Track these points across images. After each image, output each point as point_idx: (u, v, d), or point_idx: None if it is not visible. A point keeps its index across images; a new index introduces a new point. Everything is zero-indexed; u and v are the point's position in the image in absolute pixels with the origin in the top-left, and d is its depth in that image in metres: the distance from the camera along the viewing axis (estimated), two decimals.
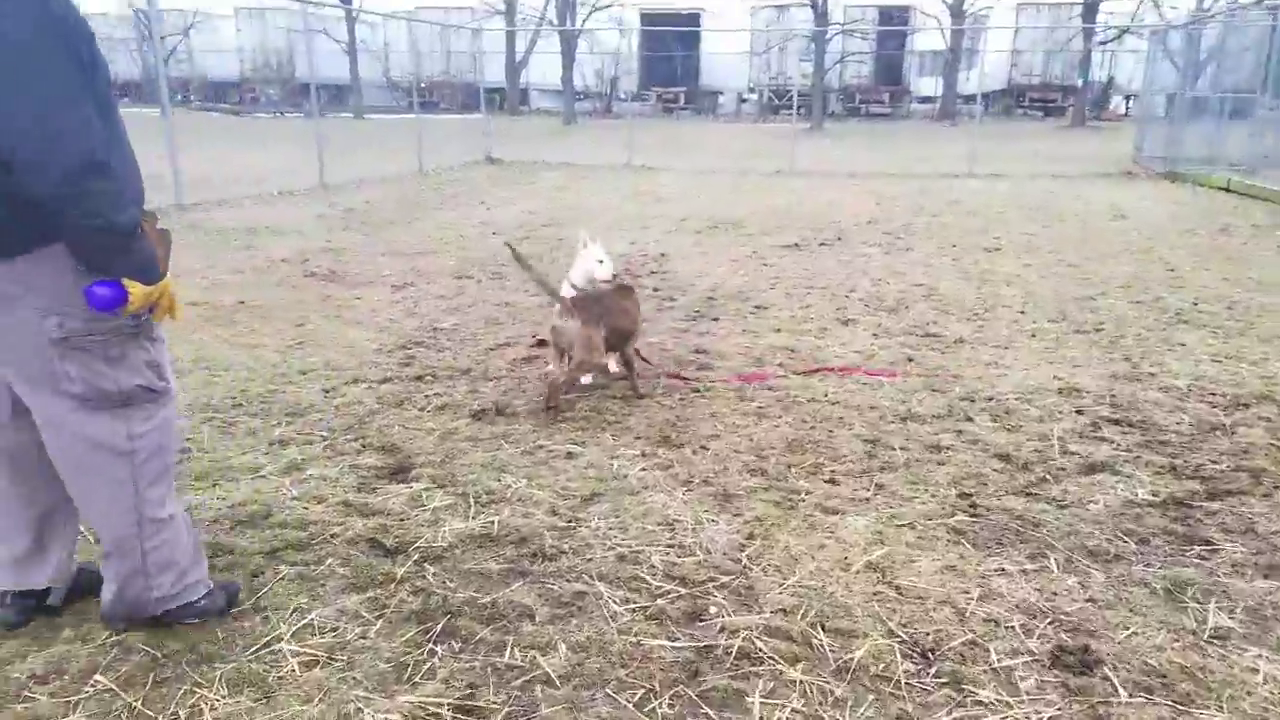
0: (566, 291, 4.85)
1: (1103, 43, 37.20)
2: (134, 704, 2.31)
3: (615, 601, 2.82)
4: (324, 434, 4.16)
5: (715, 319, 6.47)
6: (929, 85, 43.82)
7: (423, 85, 44.81)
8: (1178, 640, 2.63)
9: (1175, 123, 19.16)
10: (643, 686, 2.41)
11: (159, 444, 2.44)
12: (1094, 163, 19.62)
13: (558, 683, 2.42)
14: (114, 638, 2.55)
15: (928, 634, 2.65)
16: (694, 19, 43.45)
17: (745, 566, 3.04)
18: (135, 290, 2.20)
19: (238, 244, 9.17)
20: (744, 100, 47.57)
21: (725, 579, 2.96)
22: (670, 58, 43.70)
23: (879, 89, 42.97)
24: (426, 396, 4.73)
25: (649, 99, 45.92)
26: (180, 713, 2.28)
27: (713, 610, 2.78)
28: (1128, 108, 40.93)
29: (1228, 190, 14.75)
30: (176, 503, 2.57)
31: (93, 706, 2.30)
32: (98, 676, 2.40)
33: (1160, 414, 4.52)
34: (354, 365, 5.26)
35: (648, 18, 44.17)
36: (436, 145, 20.56)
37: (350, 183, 14.96)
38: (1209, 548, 3.19)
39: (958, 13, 38.23)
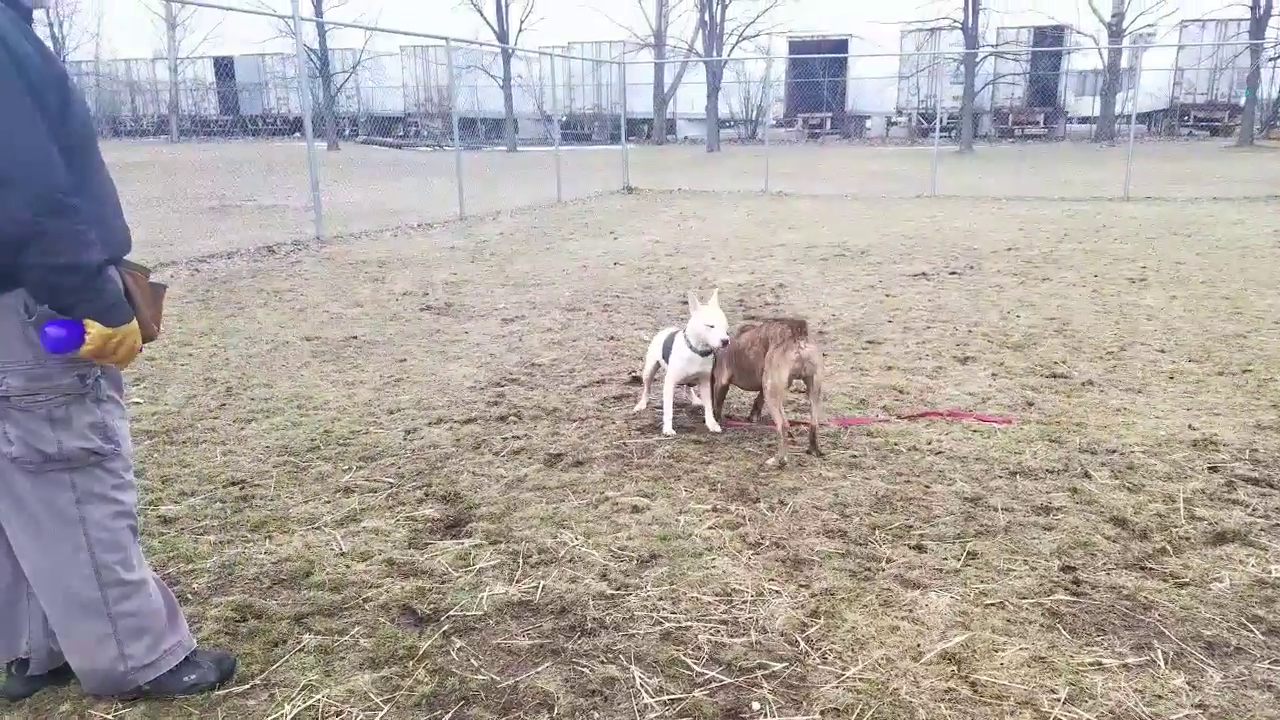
0: (680, 347, 4.60)
1: (1272, 59, 34.27)
2: None
3: (648, 691, 2.52)
4: (390, 481, 4.04)
5: (824, 355, 6.06)
6: (1086, 106, 41.55)
7: (564, 118, 45.83)
8: None
9: None
10: None
11: (113, 509, 2.32)
12: (1262, 185, 17.92)
13: None
14: (111, 714, 2.45)
15: None
16: (842, 45, 42.75)
17: (803, 651, 2.68)
18: (94, 331, 2.09)
19: (365, 276, 9.38)
20: (893, 124, 46.36)
21: (776, 666, 2.62)
22: (817, 83, 43.08)
23: (1032, 110, 41.09)
24: (505, 440, 4.56)
25: (795, 125, 45.40)
26: None
27: (755, 706, 2.44)
28: None
29: None
30: (144, 565, 2.45)
31: None
32: None
33: None
34: (443, 404, 5.16)
35: (796, 45, 43.77)
36: (580, 176, 20.84)
37: (489, 214, 15.25)
38: None
39: (1116, 31, 36.09)
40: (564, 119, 46.88)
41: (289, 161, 22.08)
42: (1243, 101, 34.23)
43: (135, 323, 2.19)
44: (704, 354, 4.52)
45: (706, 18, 41.36)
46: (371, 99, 49.98)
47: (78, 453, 2.24)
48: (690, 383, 4.80)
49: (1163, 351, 5.93)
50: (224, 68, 49.97)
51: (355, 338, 6.77)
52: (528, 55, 40.32)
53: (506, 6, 43.00)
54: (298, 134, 40.44)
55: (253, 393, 5.40)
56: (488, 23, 43.23)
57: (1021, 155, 29.43)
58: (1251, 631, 2.70)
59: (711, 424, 4.68)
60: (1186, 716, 2.32)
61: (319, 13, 39.81)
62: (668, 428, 4.63)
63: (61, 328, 2.05)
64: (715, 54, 40.44)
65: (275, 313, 7.63)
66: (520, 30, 44.07)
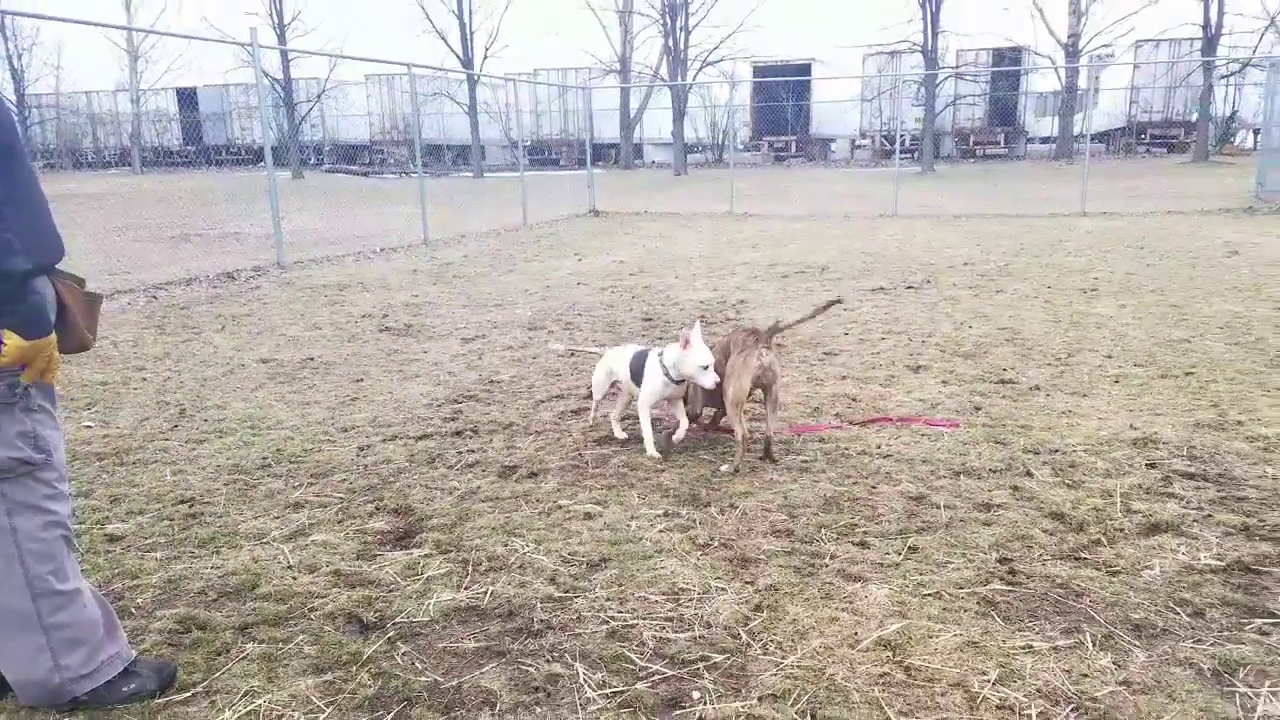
0: (655, 372, 4.44)
1: (1224, 76, 35.22)
2: None
3: (591, 685, 2.54)
4: (341, 496, 4.04)
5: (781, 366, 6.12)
6: (1046, 126, 42.42)
7: (529, 143, 46.01)
8: None
9: None
10: None
11: (45, 519, 2.32)
12: (1214, 199, 18.37)
13: None
14: None
15: None
16: (805, 69, 43.34)
17: (744, 643, 2.71)
18: (11, 343, 2.09)
19: (325, 300, 9.35)
20: (857, 146, 46.95)
21: (718, 658, 2.64)
22: (781, 107, 43.62)
23: (993, 130, 41.85)
24: (460, 453, 4.57)
25: (761, 148, 45.87)
26: None
27: (695, 696, 2.47)
28: (1256, 142, 38.44)
29: None
30: (79, 576, 2.44)
31: None
32: None
33: (1241, 467, 3.96)
34: (399, 421, 5.16)
35: (759, 69, 44.33)
36: (547, 200, 20.91)
37: (454, 238, 15.26)
38: (1273, 621, 2.69)
39: (1072, 52, 36.92)
40: (529, 144, 47.07)
41: (252, 191, 22.00)
42: (1194, 118, 35.05)
43: (54, 337, 2.19)
44: (678, 381, 4.42)
45: (670, 44, 41.78)
46: (337, 127, 49.91)
47: (7, 462, 2.23)
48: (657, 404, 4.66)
49: (1109, 357, 6.04)
50: (187, 98, 49.76)
51: (312, 359, 6.75)
52: (493, 82, 40.49)
53: (471, 34, 43.19)
54: (262, 163, 40.36)
55: (206, 414, 5.36)
56: (452, 50, 43.38)
57: (982, 175, 29.93)
58: (1178, 614, 2.77)
59: (679, 436, 4.52)
60: (1111, 693, 2.37)
61: (282, 41, 39.77)
62: (651, 450, 4.48)
63: None
64: (680, 79, 40.84)
65: (232, 337, 7.59)
66: (485, 57, 44.22)
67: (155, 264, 12.00)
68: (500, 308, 8.81)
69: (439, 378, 6.15)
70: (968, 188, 24.63)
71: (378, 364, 6.57)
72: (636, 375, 4.56)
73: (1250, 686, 2.38)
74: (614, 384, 4.86)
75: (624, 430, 4.78)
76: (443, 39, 43.24)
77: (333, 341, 7.37)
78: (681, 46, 41.79)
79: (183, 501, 4.00)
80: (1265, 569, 3.03)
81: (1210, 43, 32.71)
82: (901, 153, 30.52)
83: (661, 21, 41.85)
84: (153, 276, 10.74)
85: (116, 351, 7.02)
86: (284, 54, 38.82)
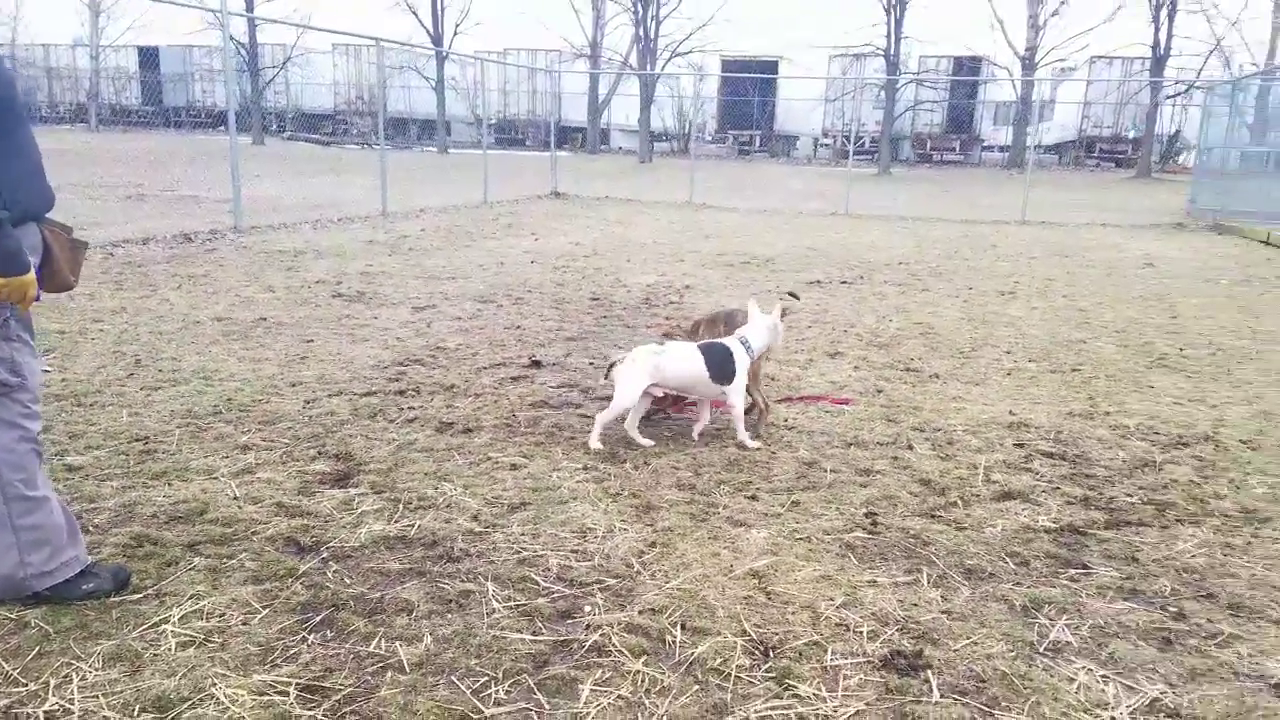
0: (744, 360, 4.34)
1: (1170, 96, 36.42)
2: (11, 672, 2.48)
3: (497, 600, 2.91)
4: (287, 442, 4.36)
5: None
6: (1003, 135, 43.42)
7: (494, 122, 46.02)
8: (1011, 651, 2.66)
9: (1227, 176, 18.93)
10: (487, 675, 2.50)
11: (18, 434, 2.63)
12: (1148, 214, 19.28)
13: (407, 669, 2.52)
14: (11, 615, 2.74)
15: (776, 634, 2.69)
16: (773, 66, 43.88)
17: (636, 571, 3.11)
18: None
19: (280, 265, 9.59)
20: (821, 145, 47.61)
21: (611, 581, 3.03)
22: (747, 102, 44.12)
23: (950, 137, 42.75)
24: (401, 410, 4.90)
25: (726, 141, 46.36)
26: (51, 681, 2.44)
27: (586, 609, 2.86)
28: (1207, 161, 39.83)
29: (1267, 243, 14.39)
30: (48, 486, 2.76)
31: None
32: None
33: (1097, 450, 4.46)
34: (345, 379, 5.48)
35: (728, 64, 44.78)
36: (510, 180, 21.16)
37: (413, 211, 15.47)
38: (1084, 571, 3.16)
39: (1029, 64, 37.85)
40: (496, 122, 47.11)
41: (211, 154, 21.97)
42: (1132, 135, 36.14)
43: (30, 275, 2.50)
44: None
45: (641, 32, 42.05)
46: (301, 95, 49.51)
47: None
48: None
49: (1008, 352, 6.54)
50: (149, 57, 49.02)
51: (264, 319, 7.02)
52: (462, 59, 40.46)
53: (442, 10, 43.10)
54: (222, 127, 39.95)
55: (160, 365, 5.63)
56: (422, 25, 43.26)
57: (935, 180, 30.66)
58: (1006, 563, 3.22)
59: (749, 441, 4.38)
60: (932, 618, 2.81)
61: (250, 7, 39.37)
62: (752, 442, 4.34)
63: None
64: (649, 68, 41.12)
65: (188, 295, 7.83)
66: (455, 34, 44.18)
67: (112, 222, 12.10)
68: (453, 280, 9.12)
69: (387, 342, 6.46)
70: (920, 191, 25.30)
71: (328, 327, 6.86)
72: (722, 371, 4.27)
73: (1050, 620, 2.84)
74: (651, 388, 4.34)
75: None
76: (413, 13, 43.11)
77: (286, 304, 7.63)
78: (652, 36, 42.08)
79: (137, 440, 4.29)
80: (1091, 532, 3.49)
81: (1159, 63, 33.80)
82: (860, 155, 31.08)
83: (633, 9, 42.11)
84: (109, 234, 10.87)
85: (73, 304, 7.23)
86: (251, 20, 38.47)
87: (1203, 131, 22.79)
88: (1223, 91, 22.03)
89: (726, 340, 4.39)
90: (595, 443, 4.34)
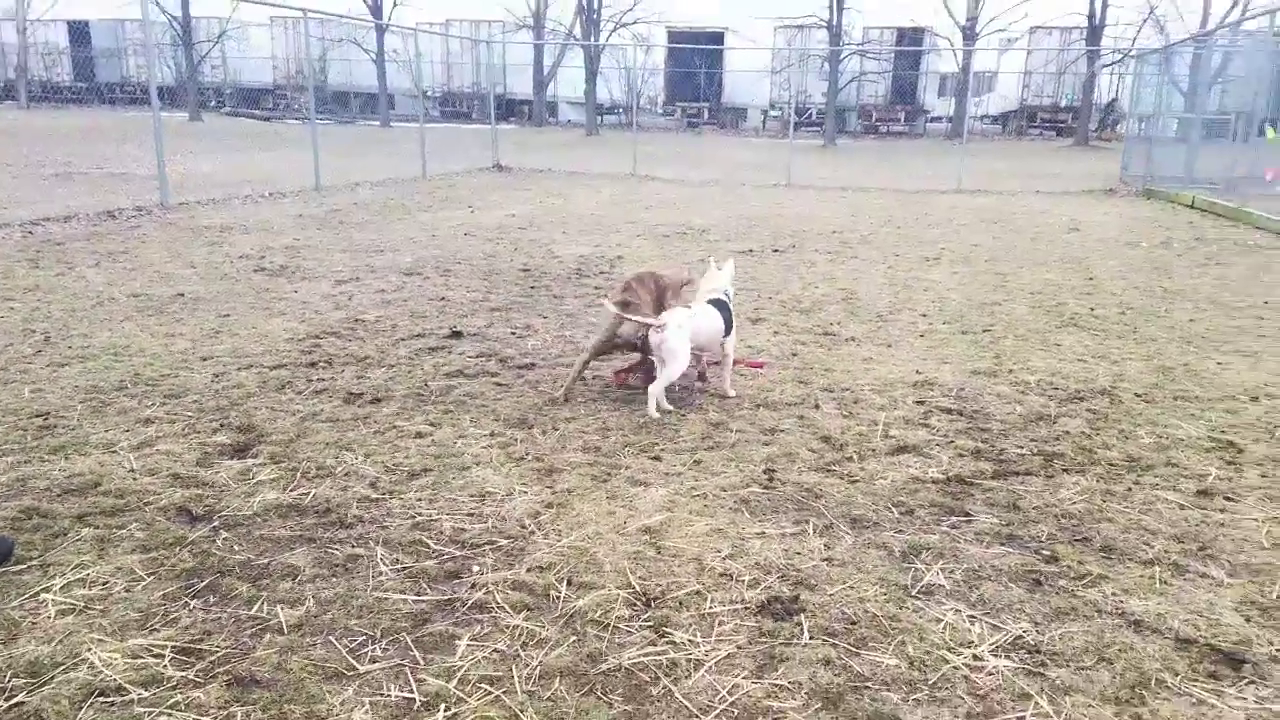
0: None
1: (1106, 65, 37.00)
2: None
3: (385, 563, 2.93)
4: (190, 415, 4.32)
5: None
6: (946, 106, 43.79)
7: (437, 95, 45.46)
8: (884, 594, 2.76)
9: (1158, 143, 19.37)
10: (365, 634, 2.53)
11: None
12: (1081, 180, 19.69)
13: (286, 630, 2.54)
14: None
15: (660, 585, 2.76)
16: (718, 38, 43.76)
17: (530, 531, 3.15)
18: None
19: (205, 241, 9.43)
20: (770, 117, 47.67)
21: (504, 542, 3.07)
22: (695, 74, 43.98)
23: (895, 108, 43.02)
24: (310, 381, 4.88)
25: (675, 114, 46.22)
26: None
27: (474, 569, 2.89)
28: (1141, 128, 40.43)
29: (1191, 207, 14.81)
30: None
31: None
32: None
33: (996, 405, 4.59)
34: (257, 353, 5.42)
35: (674, 35, 44.56)
36: (453, 153, 20.94)
37: (347, 185, 15.26)
38: (965, 519, 3.27)
39: (970, 35, 38.17)
40: (439, 95, 46.53)
41: (144, 131, 21.43)
42: (1065, 104, 36.65)
43: None
44: None
45: (584, 2, 41.63)
46: (239, 69, 48.39)
47: None
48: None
49: (924, 315, 6.68)
50: (79, 32, 47.54)
51: (182, 295, 6.91)
52: (403, 31, 39.81)
53: None
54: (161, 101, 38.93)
55: (70, 342, 5.54)
56: None
57: (880, 150, 30.92)
58: (891, 512, 3.32)
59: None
60: (813, 565, 2.89)
61: None
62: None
63: None
64: (593, 39, 40.79)
65: (105, 272, 7.68)
66: (395, 4, 43.36)
67: (33, 200, 11.80)
68: (381, 253, 9.04)
69: (305, 316, 6.40)
70: (863, 162, 25.51)
71: (246, 301, 6.77)
72: (729, 324, 4.62)
73: (925, 564, 2.93)
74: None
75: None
76: None
77: (206, 279, 7.52)
78: (596, 6, 41.70)
79: (38, 415, 4.23)
80: (977, 481, 3.61)
81: (1095, 32, 34.28)
82: (809, 126, 31.17)
83: None
84: (30, 212, 10.60)
85: None
86: None
87: (1134, 99, 23.27)
88: (1155, 60, 22.46)
89: (719, 296, 4.70)
90: (654, 411, 4.36)
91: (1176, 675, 2.41)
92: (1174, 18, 33.53)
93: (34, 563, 2.88)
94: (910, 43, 40.67)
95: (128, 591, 2.73)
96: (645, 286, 4.88)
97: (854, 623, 2.60)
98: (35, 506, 3.26)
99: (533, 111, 46.13)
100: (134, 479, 3.54)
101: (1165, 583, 2.89)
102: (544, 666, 2.40)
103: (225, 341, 5.65)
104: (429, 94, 44.86)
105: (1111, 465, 3.87)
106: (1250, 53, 18.17)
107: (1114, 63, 37.14)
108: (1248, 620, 2.69)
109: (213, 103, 47.17)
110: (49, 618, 2.59)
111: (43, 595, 2.70)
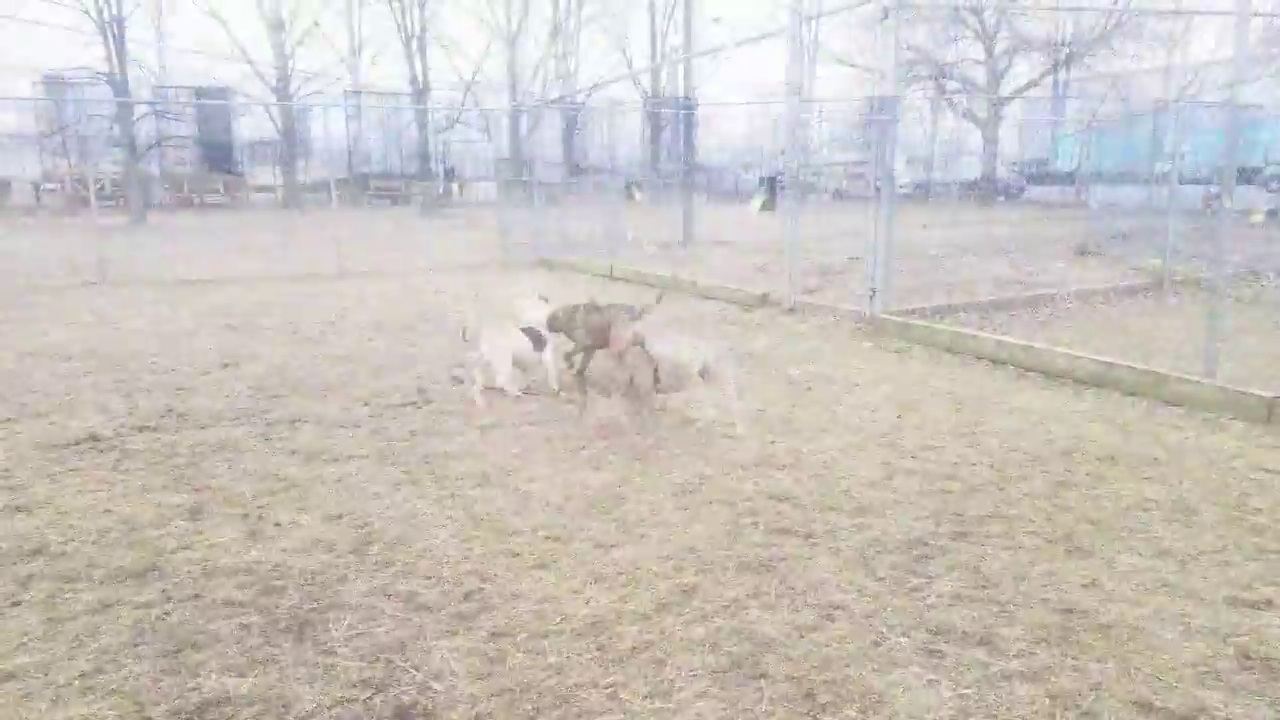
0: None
1: (438, 131, 36.76)
2: None
3: None
4: None
5: None
6: (267, 174, 39.59)
7: None
8: None
9: (535, 211, 18.91)
10: None
11: None
12: (463, 253, 17.80)
13: None
14: None
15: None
16: None
17: None
18: None
19: None
20: (45, 190, 38.38)
21: None
22: None
23: (212, 177, 37.36)
24: None
25: None
26: None
27: None
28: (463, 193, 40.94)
29: (611, 277, 14.30)
30: None
31: None
32: None
33: None
34: None
35: None
36: None
37: None
38: None
39: (284, 96, 34.97)
40: None
41: None
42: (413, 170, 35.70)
43: None
44: None
45: None
46: None
47: None
48: None
49: None
50: None
51: None
52: None
53: None
54: None
55: None
56: None
57: (205, 228, 25.81)
58: None
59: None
60: None
61: None
62: None
63: None
64: None
65: None
66: None
67: None
68: None
69: None
70: (196, 243, 20.58)
71: None
72: None
73: None
74: None
75: None
76: None
77: None
78: None
79: None
80: None
81: (420, 95, 33.65)
82: (104, 201, 25.03)
83: None
84: None
85: None
86: None
87: (498, 169, 22.51)
88: (480, 125, 21.83)
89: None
90: None
91: None
92: (486, 87, 34.48)
93: None
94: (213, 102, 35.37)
95: None
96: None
97: None
98: None
99: None
100: None
101: None
102: None
103: None
104: None
105: None
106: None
107: (445, 129, 36.80)
108: None
109: None
110: None
111: None
